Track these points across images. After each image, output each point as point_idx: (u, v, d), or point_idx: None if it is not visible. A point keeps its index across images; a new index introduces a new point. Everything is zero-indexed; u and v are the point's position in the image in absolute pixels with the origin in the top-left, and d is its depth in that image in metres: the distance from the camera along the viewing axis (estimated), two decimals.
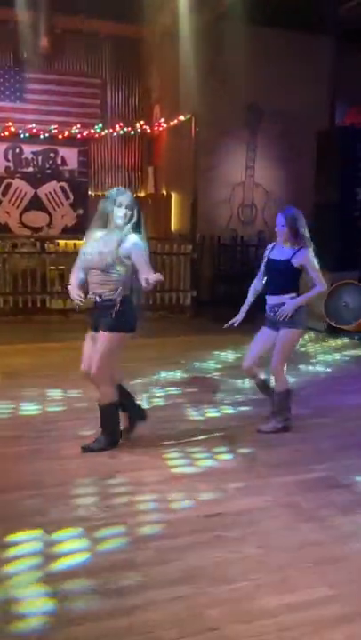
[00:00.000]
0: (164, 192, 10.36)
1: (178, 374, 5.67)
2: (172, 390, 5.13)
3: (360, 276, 7.88)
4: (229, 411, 4.60)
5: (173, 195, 10.17)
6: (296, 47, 9.35)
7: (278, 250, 4.09)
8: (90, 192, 10.84)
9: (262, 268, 4.16)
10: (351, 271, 7.94)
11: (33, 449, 3.72)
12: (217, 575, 2.48)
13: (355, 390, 5.26)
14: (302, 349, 6.64)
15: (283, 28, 9.03)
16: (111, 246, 3.41)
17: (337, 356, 6.48)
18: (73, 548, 2.65)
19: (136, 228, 3.49)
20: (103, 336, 3.48)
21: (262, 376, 4.24)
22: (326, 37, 9.69)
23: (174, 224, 10.26)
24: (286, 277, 4.01)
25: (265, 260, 4.15)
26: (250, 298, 4.21)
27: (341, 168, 7.80)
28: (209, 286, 9.73)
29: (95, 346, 3.52)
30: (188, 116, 8.56)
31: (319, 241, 8.22)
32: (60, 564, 2.53)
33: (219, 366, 6.05)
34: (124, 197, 3.43)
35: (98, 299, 3.48)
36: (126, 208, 3.41)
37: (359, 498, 3.17)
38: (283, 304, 3.94)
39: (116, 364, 3.65)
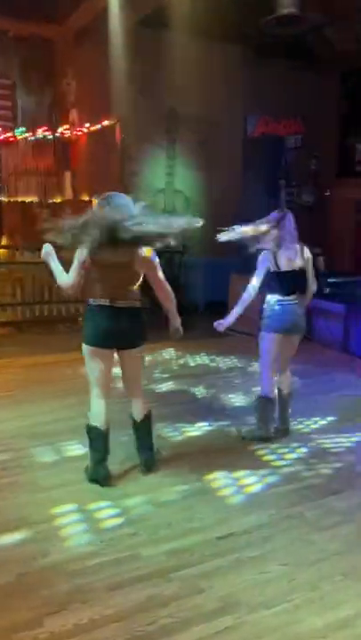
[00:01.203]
0: (85, 198, 10.05)
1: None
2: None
3: None
4: (201, 423, 4.48)
5: (95, 201, 9.88)
6: (213, 56, 9.48)
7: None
8: (1, 197, 10.29)
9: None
10: None
11: (9, 481, 3.40)
12: (253, 600, 2.40)
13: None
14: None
15: (201, 36, 9.12)
16: None
17: None
18: (90, 591, 2.45)
19: None
20: None
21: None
22: (241, 48, 9.96)
23: None
24: None
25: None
26: None
27: (268, 177, 8.03)
28: None
29: None
30: (113, 122, 8.37)
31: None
32: (85, 611, 2.32)
33: (166, 375, 5.92)
34: None
35: None
36: None
37: (356, 502, 3.23)
38: None
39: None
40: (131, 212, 3.25)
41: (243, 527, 2.97)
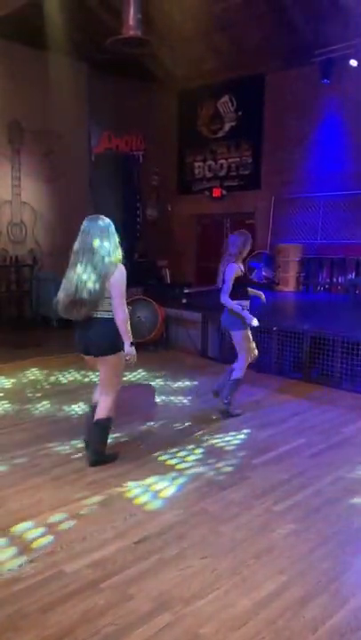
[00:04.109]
0: None
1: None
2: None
3: (144, 292, 8.44)
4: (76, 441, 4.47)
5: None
6: (58, 70, 9.48)
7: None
8: None
9: (232, 283, 4.79)
10: (136, 287, 8.45)
11: None
12: (185, 594, 2.53)
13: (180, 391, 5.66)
14: None
15: (46, 50, 9.07)
16: None
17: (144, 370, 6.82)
18: (23, 616, 2.38)
19: None
20: None
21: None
22: (86, 64, 10.09)
23: None
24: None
25: (240, 275, 4.84)
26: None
27: (123, 192, 8.24)
28: None
29: None
30: None
31: None
32: (22, 637, 2.25)
33: (39, 394, 5.71)
34: None
35: None
36: None
37: (250, 492, 3.53)
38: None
39: None
40: None
41: (156, 529, 3.08)
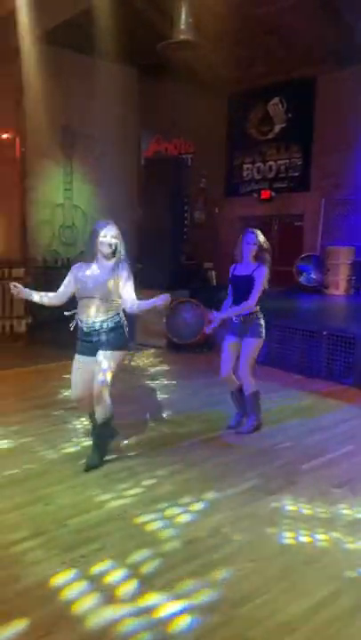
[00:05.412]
0: None
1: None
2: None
3: (190, 294, 8.47)
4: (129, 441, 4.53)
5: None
6: (109, 76, 9.61)
7: (242, 266, 4.56)
8: None
9: (230, 285, 4.64)
10: (182, 290, 8.49)
11: None
12: (235, 597, 2.53)
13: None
14: (153, 368, 6.91)
15: (98, 56, 9.23)
16: (108, 275, 3.65)
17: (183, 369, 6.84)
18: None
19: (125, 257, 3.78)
20: (111, 355, 3.69)
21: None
22: (136, 70, 10.22)
23: None
24: (247, 290, 4.44)
25: (230, 277, 4.63)
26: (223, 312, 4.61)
27: (171, 195, 8.30)
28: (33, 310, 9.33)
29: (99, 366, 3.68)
30: (12, 136, 8.18)
31: (150, 263, 8.58)
32: (75, 630, 2.30)
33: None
34: (109, 229, 3.68)
35: (101, 325, 3.68)
36: (113, 238, 3.67)
37: (296, 502, 3.48)
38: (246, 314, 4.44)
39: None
40: None
41: (205, 531, 3.09)
